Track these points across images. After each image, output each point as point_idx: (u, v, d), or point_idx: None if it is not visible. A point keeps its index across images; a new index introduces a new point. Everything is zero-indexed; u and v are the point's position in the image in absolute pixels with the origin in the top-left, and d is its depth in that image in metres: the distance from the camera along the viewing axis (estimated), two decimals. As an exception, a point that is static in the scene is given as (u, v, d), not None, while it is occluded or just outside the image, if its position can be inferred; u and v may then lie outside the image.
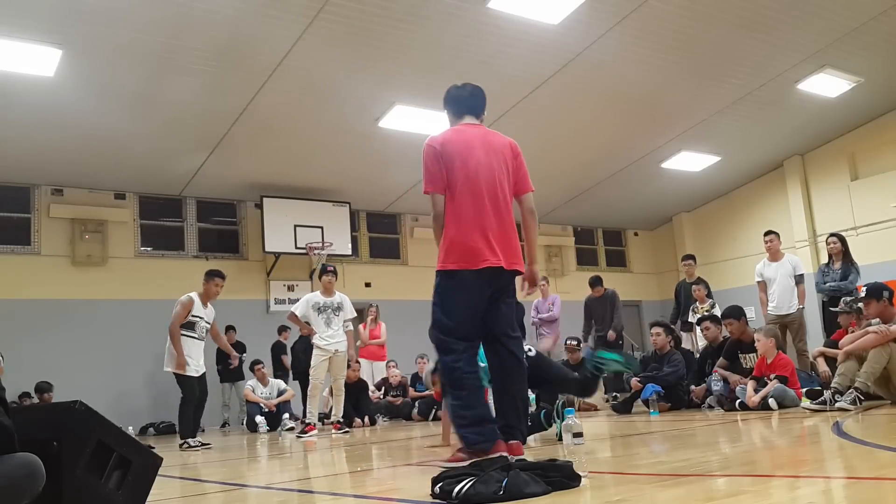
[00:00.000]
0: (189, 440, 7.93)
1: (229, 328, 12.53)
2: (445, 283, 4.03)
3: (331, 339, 8.75)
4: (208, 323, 8.30)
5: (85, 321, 12.18)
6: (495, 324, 4.10)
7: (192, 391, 8.03)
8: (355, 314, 9.12)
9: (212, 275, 8.33)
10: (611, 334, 11.05)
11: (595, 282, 11.73)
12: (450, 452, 4.14)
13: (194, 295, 8.15)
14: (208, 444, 8.15)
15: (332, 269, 9.13)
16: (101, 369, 11.91)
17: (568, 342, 10.20)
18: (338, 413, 9.02)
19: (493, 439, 3.84)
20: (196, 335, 8.10)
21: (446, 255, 4.03)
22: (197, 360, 8.08)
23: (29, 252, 12.36)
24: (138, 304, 12.67)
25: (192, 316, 8.04)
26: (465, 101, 4.43)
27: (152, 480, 3.09)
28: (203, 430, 12.39)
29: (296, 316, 8.94)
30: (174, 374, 7.99)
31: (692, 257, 11.71)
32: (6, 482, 2.26)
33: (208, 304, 8.30)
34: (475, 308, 4.02)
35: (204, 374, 8.21)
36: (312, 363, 8.87)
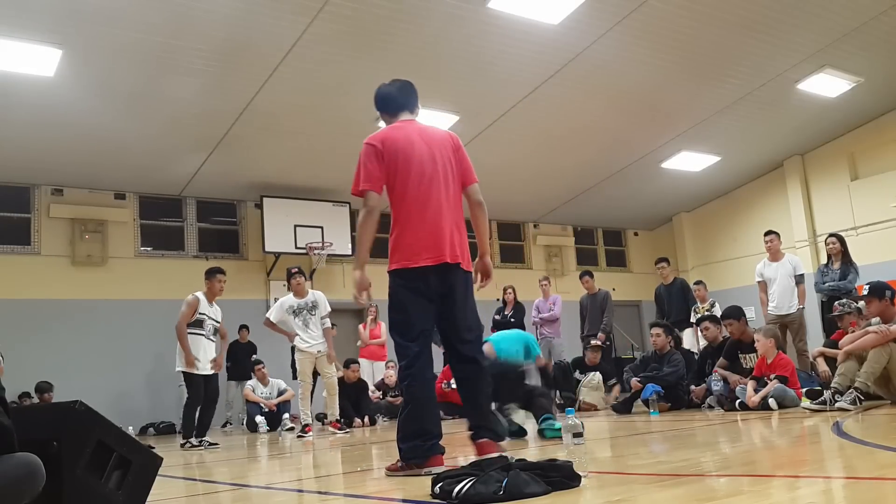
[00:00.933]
0: (191, 439, 7.94)
1: (242, 327, 12.57)
2: (396, 282, 3.98)
3: (311, 340, 8.69)
4: (216, 321, 8.31)
5: (85, 321, 12.18)
6: (449, 326, 4.04)
7: (198, 391, 8.04)
8: (330, 309, 8.93)
9: (213, 272, 8.39)
10: (600, 336, 10.95)
11: (585, 274, 11.71)
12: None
13: (200, 294, 8.20)
14: (216, 443, 8.16)
15: (296, 270, 8.97)
16: (101, 369, 11.91)
17: (591, 341, 10.06)
18: (333, 412, 8.99)
19: (427, 455, 3.80)
20: (204, 333, 8.12)
21: (393, 253, 3.99)
22: (204, 360, 8.09)
23: (29, 252, 12.36)
24: (138, 304, 12.67)
25: (199, 314, 8.08)
26: (397, 99, 4.31)
27: (152, 480, 3.09)
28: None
29: (271, 322, 8.87)
30: (182, 373, 8.01)
31: (665, 260, 11.52)
32: (6, 482, 2.26)
33: (213, 303, 8.31)
34: (423, 308, 3.96)
35: (214, 375, 8.22)
36: (297, 367, 8.86)
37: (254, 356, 12.33)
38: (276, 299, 13.98)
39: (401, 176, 4.01)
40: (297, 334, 8.69)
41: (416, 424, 3.86)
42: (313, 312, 8.77)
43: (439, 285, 3.97)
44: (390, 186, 4.05)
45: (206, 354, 8.13)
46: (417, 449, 3.82)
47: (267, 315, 9.06)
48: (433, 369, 4.07)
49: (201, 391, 8.04)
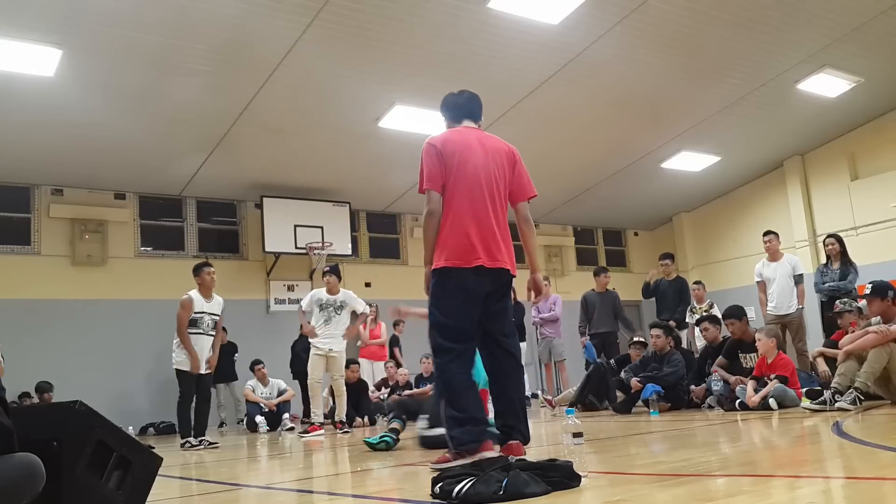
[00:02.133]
0: (190, 439, 7.93)
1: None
2: (441, 281, 4.00)
3: (327, 338, 8.77)
4: (214, 315, 8.28)
5: (85, 321, 12.18)
6: (492, 325, 4.09)
7: (190, 389, 8.02)
8: (363, 303, 9.22)
9: (198, 268, 8.35)
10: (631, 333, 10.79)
11: (598, 271, 11.66)
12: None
13: (193, 293, 8.16)
14: (216, 443, 8.16)
15: (327, 269, 9.16)
16: (101, 369, 11.91)
17: (635, 338, 9.93)
18: (340, 414, 9.04)
19: (481, 440, 3.82)
20: (202, 331, 8.11)
21: (441, 252, 4.00)
22: (202, 359, 8.08)
23: (29, 252, 12.36)
24: (138, 303, 12.67)
25: (195, 313, 8.05)
26: (463, 107, 4.43)
27: (152, 480, 3.09)
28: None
29: (302, 311, 9.06)
30: (176, 370, 7.99)
31: (670, 256, 11.41)
32: (6, 482, 2.26)
33: (212, 296, 8.28)
34: (471, 307, 3.99)
35: (207, 374, 8.21)
36: (309, 366, 8.89)
37: (235, 356, 12.29)
38: (276, 299, 14.11)
39: (454, 176, 4.07)
40: (313, 330, 8.75)
41: (464, 412, 3.87)
42: (339, 312, 8.86)
43: (487, 286, 4.02)
44: (444, 185, 4.11)
45: (203, 353, 8.12)
46: (471, 433, 3.81)
47: (300, 303, 9.17)
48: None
49: (193, 389, 8.02)
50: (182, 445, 7.91)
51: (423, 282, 4.12)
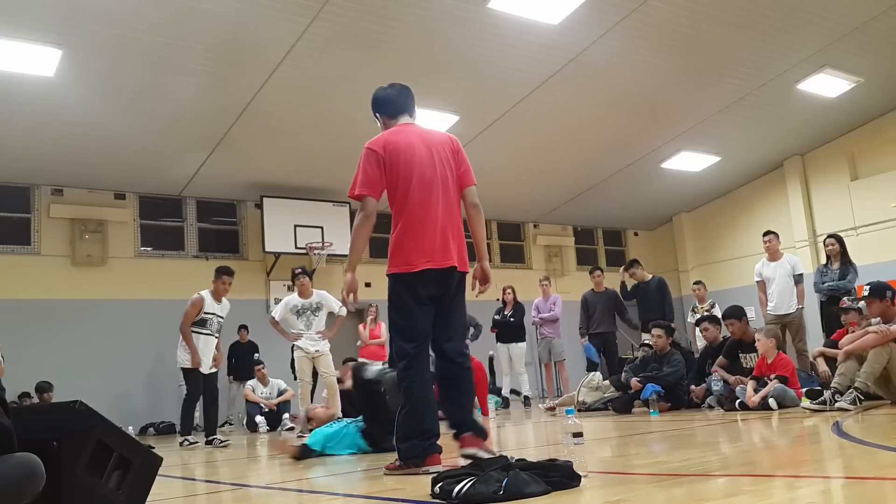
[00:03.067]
0: (188, 437, 7.94)
1: (241, 327, 12.57)
2: (396, 285, 4.00)
3: (311, 341, 8.70)
4: (221, 318, 8.34)
5: (85, 321, 12.18)
6: (439, 326, 4.05)
7: (197, 388, 8.05)
8: (338, 303, 8.90)
9: (219, 273, 8.39)
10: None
11: (593, 270, 11.65)
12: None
13: (205, 293, 8.22)
14: (227, 440, 8.17)
15: (299, 270, 8.97)
16: (101, 369, 11.90)
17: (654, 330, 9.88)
18: (335, 411, 9.01)
19: (426, 455, 3.83)
20: (209, 331, 8.15)
21: (394, 256, 4.01)
22: (208, 358, 8.11)
23: (29, 252, 12.36)
24: (138, 303, 12.67)
25: (205, 313, 8.11)
26: (397, 102, 4.34)
27: (152, 480, 3.09)
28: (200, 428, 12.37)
29: (275, 321, 8.88)
30: (182, 369, 8.01)
31: (635, 262, 11.18)
32: (6, 482, 2.26)
33: (222, 299, 8.34)
34: (422, 310, 3.98)
35: (214, 373, 8.24)
36: (296, 367, 8.86)
37: (255, 355, 12.34)
38: (276, 299, 14.08)
39: (402, 181, 4.03)
40: (298, 334, 8.69)
41: (415, 424, 3.88)
42: (317, 313, 8.77)
43: (437, 288, 4.00)
44: (391, 190, 4.07)
45: (209, 353, 8.14)
46: (415, 448, 3.84)
47: (271, 314, 9.06)
48: (430, 370, 4.08)
49: (200, 388, 8.05)
50: (181, 444, 7.92)
51: (345, 286, 4.09)
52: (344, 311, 8.91)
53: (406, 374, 3.95)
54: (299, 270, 8.97)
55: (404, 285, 3.96)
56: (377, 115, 4.40)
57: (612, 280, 12.08)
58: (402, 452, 3.88)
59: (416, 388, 3.92)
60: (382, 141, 4.13)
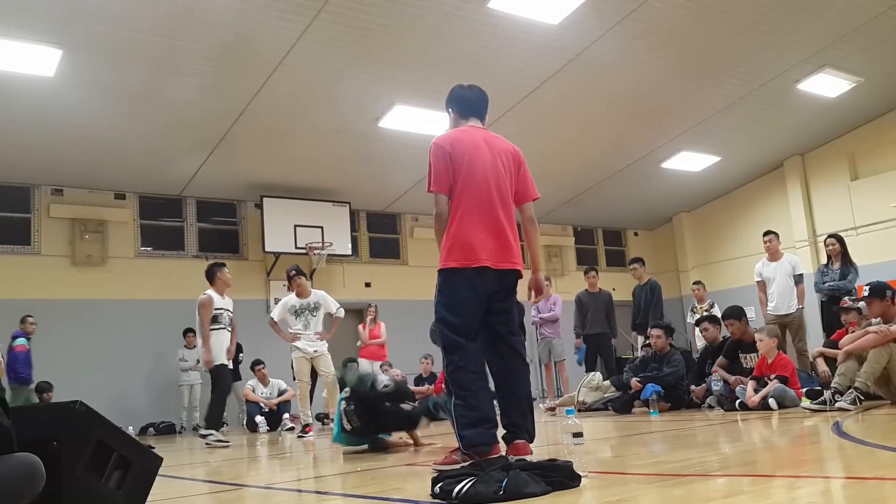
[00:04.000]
0: (215, 432, 8.00)
1: None
2: (448, 280, 4.02)
3: (309, 341, 8.66)
4: (230, 312, 8.42)
5: (85, 321, 12.17)
6: (498, 323, 4.10)
7: (228, 381, 8.18)
8: (337, 304, 8.92)
9: (215, 270, 8.42)
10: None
11: (587, 270, 11.63)
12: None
13: (211, 292, 8.25)
14: (227, 441, 8.23)
15: (293, 272, 8.88)
16: (101, 369, 11.90)
17: (653, 331, 9.89)
18: (334, 411, 8.99)
19: (492, 442, 3.84)
20: (222, 326, 8.24)
21: (449, 252, 4.03)
22: (223, 352, 8.19)
23: (29, 252, 12.35)
24: (138, 303, 12.67)
25: (215, 310, 8.17)
26: (471, 104, 4.42)
27: (152, 480, 3.09)
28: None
29: (274, 322, 8.83)
30: (215, 366, 8.05)
31: (639, 260, 11.25)
32: (6, 482, 2.26)
33: (225, 295, 8.40)
34: (477, 306, 4.01)
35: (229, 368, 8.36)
36: (294, 367, 8.84)
37: (240, 355, 12.28)
38: (276, 299, 14.06)
39: (464, 178, 4.08)
40: (297, 335, 8.66)
41: (477, 412, 3.87)
42: (315, 314, 8.74)
43: (494, 285, 4.04)
44: (453, 186, 4.11)
45: (224, 347, 8.21)
46: (483, 435, 3.83)
47: (270, 315, 9.04)
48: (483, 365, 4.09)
49: (230, 381, 8.21)
50: (205, 438, 7.92)
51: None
52: (342, 313, 8.89)
53: (461, 366, 3.94)
54: (293, 272, 8.88)
55: (463, 279, 3.98)
56: (449, 109, 4.45)
57: (607, 281, 12.03)
58: (468, 440, 3.83)
59: (471, 378, 3.92)
60: (450, 138, 4.20)
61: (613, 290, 11.73)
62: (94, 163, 12.05)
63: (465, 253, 3.99)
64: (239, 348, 12.32)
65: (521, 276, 4.19)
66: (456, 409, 3.94)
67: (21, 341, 10.52)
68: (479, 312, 4.03)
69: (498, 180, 4.14)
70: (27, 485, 2.33)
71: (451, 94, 4.45)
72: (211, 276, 8.37)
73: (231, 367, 8.38)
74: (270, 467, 5.77)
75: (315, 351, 8.70)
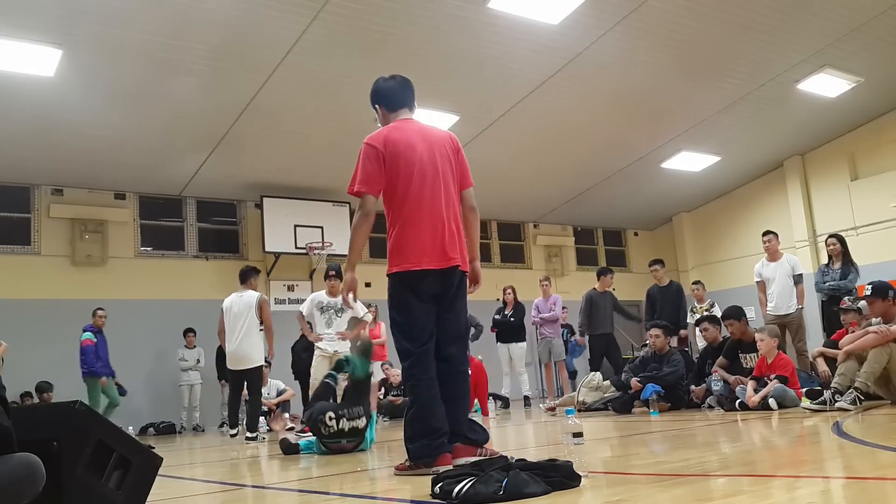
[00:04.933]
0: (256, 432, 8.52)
1: None
2: (395, 285, 3.97)
3: (331, 341, 8.71)
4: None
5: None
6: (441, 326, 4.01)
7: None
8: (364, 309, 8.94)
9: (252, 275, 9.25)
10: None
11: (604, 272, 11.57)
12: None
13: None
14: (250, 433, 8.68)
15: (333, 272, 8.95)
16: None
17: (652, 330, 9.90)
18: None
19: (436, 454, 3.77)
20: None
21: (394, 256, 3.97)
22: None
23: (29, 252, 12.36)
24: (138, 303, 12.67)
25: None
26: (398, 95, 4.25)
27: (152, 480, 3.09)
28: (203, 430, 12.40)
29: (302, 316, 8.93)
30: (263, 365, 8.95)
31: (660, 262, 11.22)
32: (6, 482, 2.26)
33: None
34: (425, 309, 3.95)
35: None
36: (313, 367, 8.85)
37: None
38: (276, 299, 14.09)
39: (402, 178, 3.97)
40: (320, 336, 8.70)
41: (423, 423, 3.83)
42: (340, 314, 8.76)
43: (439, 287, 3.97)
44: (390, 188, 4.01)
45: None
46: (425, 448, 3.79)
47: (300, 309, 9.08)
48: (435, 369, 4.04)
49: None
50: (247, 440, 8.37)
51: (345, 285, 4.15)
52: (369, 317, 8.92)
53: (411, 373, 3.91)
54: (332, 272, 8.97)
55: (406, 284, 3.92)
56: (376, 106, 4.32)
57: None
58: (411, 452, 3.83)
59: (422, 387, 3.88)
60: (382, 137, 4.05)
61: (613, 289, 11.70)
62: (94, 163, 12.05)
63: (406, 256, 3.92)
64: None
65: (466, 273, 4.10)
66: (406, 419, 3.94)
67: (87, 335, 10.67)
68: (428, 315, 3.95)
69: (437, 174, 4.02)
70: (27, 485, 2.33)
71: (374, 89, 4.30)
72: (250, 280, 9.04)
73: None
74: (271, 467, 5.77)
75: (335, 351, 8.72)
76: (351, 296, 4.11)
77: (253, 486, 4.49)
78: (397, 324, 3.99)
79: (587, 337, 11.26)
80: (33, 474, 2.34)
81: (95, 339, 10.71)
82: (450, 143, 4.19)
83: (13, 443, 2.33)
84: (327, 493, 3.71)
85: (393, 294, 4.00)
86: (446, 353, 4.02)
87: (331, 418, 5.76)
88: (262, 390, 11.67)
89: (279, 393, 11.82)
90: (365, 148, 4.03)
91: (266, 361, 11.31)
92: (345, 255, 14.49)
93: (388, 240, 4.03)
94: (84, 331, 10.75)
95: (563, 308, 12.54)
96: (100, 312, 10.95)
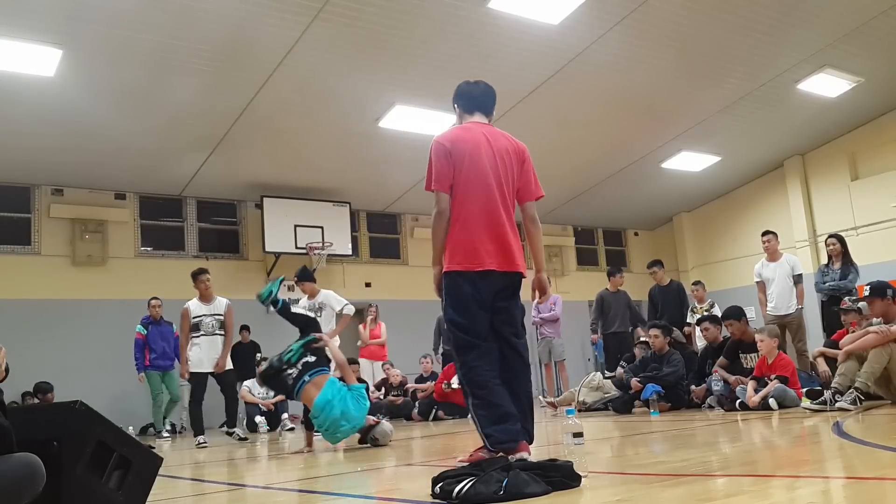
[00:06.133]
0: (237, 430, 8.52)
1: (243, 328, 12.52)
2: (453, 282, 3.98)
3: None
4: (216, 316, 8.62)
5: (85, 321, 12.17)
6: (500, 323, 4.04)
7: (197, 389, 8.42)
8: (343, 301, 8.78)
9: (195, 275, 8.73)
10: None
11: (614, 271, 11.58)
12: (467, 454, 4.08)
13: (190, 303, 8.59)
14: (245, 437, 8.66)
15: (296, 279, 8.82)
16: (102, 369, 11.88)
17: (651, 331, 9.89)
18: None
19: (518, 438, 3.78)
20: (204, 333, 8.50)
21: (452, 255, 3.99)
22: (207, 358, 8.42)
23: (29, 252, 12.35)
24: (139, 304, 12.61)
25: (194, 319, 8.47)
26: (476, 99, 4.35)
27: (152, 480, 3.09)
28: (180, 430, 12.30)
29: None
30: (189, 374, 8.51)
31: (658, 263, 11.25)
32: (6, 482, 2.26)
33: (212, 299, 8.65)
34: (483, 307, 3.96)
35: (228, 371, 8.57)
36: None
37: (258, 355, 12.30)
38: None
39: (464, 177, 4.02)
40: None
41: (498, 409, 3.81)
42: (320, 314, 8.71)
43: (497, 288, 3.99)
44: (454, 186, 4.05)
45: (215, 352, 8.49)
46: (509, 432, 3.77)
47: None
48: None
49: (201, 389, 8.38)
50: (197, 445, 8.13)
51: (433, 282, 4.10)
52: (350, 309, 8.80)
53: (474, 365, 3.90)
54: (296, 279, 8.90)
55: (468, 282, 3.93)
56: (455, 105, 4.42)
57: (604, 282, 11.98)
58: (493, 438, 3.77)
59: (488, 377, 3.87)
60: (451, 135, 4.14)
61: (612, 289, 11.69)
62: (94, 163, 12.05)
63: (468, 256, 3.94)
64: (257, 347, 12.37)
65: (524, 278, 4.14)
66: (475, 409, 3.88)
67: (138, 328, 10.75)
68: (485, 313, 3.98)
69: (499, 180, 4.08)
70: (27, 484, 2.33)
71: (458, 90, 4.41)
72: (193, 281, 8.68)
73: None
74: (270, 467, 5.77)
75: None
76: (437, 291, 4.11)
77: (253, 486, 4.49)
78: (455, 322, 3.98)
79: (599, 335, 11.33)
80: (33, 474, 2.35)
81: (145, 332, 10.72)
82: (516, 153, 4.26)
83: (13, 443, 2.33)
84: (328, 494, 3.71)
85: (451, 292, 3.99)
86: (514, 345, 4.05)
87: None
88: (260, 391, 11.73)
89: (277, 393, 11.78)
90: (434, 146, 4.10)
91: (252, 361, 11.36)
92: (344, 255, 14.55)
93: (445, 236, 4.04)
94: (139, 323, 10.88)
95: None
96: (153, 302, 10.84)
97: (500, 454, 3.61)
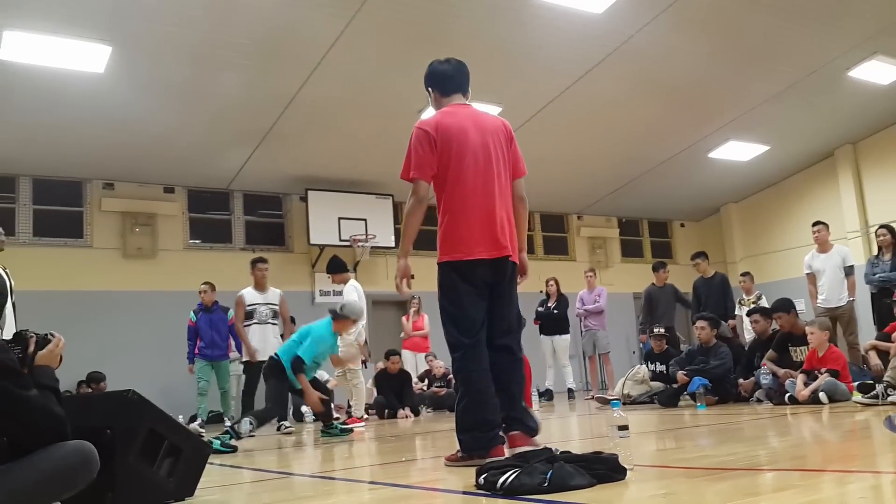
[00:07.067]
0: (284, 422, 8.54)
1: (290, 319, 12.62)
2: (446, 274, 3.93)
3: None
4: (270, 305, 8.89)
5: (136, 312, 12.42)
6: (493, 316, 3.97)
7: (252, 379, 8.57)
8: (353, 298, 8.79)
9: (252, 264, 9.06)
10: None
11: (657, 266, 11.47)
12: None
13: (246, 290, 8.87)
14: (290, 427, 8.69)
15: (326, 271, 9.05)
16: (151, 359, 12.10)
17: (655, 330, 9.86)
18: (357, 407, 9.12)
19: (490, 446, 3.74)
20: (257, 321, 8.75)
21: (445, 245, 3.92)
22: (263, 346, 8.55)
23: (82, 245, 12.64)
24: (187, 295, 12.81)
25: (248, 307, 8.75)
26: (452, 79, 4.22)
27: (202, 468, 3.15)
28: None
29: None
30: (242, 363, 8.83)
31: (702, 255, 11.05)
32: (61, 469, 2.33)
33: (267, 289, 8.93)
34: (478, 298, 3.90)
35: (258, 361, 8.46)
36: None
37: None
38: (321, 291, 14.21)
39: (454, 164, 3.93)
40: None
41: (477, 415, 3.80)
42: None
43: (491, 276, 3.92)
44: (441, 174, 3.97)
45: (267, 341, 8.63)
46: (479, 440, 3.76)
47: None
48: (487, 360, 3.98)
49: (256, 379, 8.41)
50: (278, 429, 8.42)
51: (398, 272, 4.02)
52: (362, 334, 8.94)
53: (463, 365, 3.89)
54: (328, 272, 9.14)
55: (458, 274, 3.88)
56: (429, 89, 4.28)
57: (649, 274, 11.86)
58: (464, 444, 3.80)
59: (474, 379, 3.85)
60: (434, 122, 4.02)
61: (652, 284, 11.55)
62: (143, 157, 12.28)
63: (458, 246, 3.87)
64: None
65: (517, 263, 4.04)
66: (458, 410, 3.89)
67: (190, 315, 10.07)
68: (479, 306, 3.91)
69: (489, 162, 3.96)
70: (82, 471, 2.39)
71: (429, 71, 4.25)
72: (250, 268, 9.00)
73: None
74: (314, 456, 5.84)
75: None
76: (405, 283, 4.03)
77: (300, 475, 4.55)
78: (448, 314, 3.95)
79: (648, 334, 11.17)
80: (88, 461, 2.41)
81: (195, 319, 9.93)
82: (503, 131, 4.14)
83: (67, 431, 2.39)
84: (374, 483, 3.75)
85: (444, 283, 3.95)
86: (501, 343, 3.98)
87: None
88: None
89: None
90: (416, 132, 4.00)
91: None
92: (388, 248, 14.59)
93: (438, 228, 3.98)
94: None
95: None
96: (201, 287, 9.97)
97: (476, 459, 3.61)
